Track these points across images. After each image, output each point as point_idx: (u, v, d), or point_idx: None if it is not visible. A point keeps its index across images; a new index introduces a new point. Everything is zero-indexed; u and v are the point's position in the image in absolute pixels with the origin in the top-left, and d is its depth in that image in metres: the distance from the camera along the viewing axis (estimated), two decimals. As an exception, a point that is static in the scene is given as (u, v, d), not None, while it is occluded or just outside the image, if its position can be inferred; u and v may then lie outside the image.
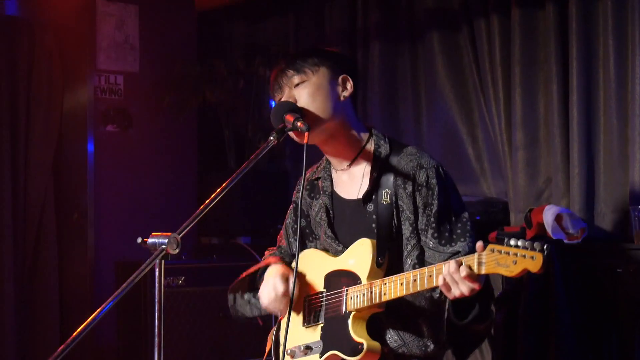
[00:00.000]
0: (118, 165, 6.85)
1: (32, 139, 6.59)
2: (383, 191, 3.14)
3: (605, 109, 4.92)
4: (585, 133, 4.97)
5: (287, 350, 3.24)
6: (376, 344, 3.04)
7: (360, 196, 3.18)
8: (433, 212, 3.09)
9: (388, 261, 3.08)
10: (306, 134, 2.99)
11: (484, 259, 2.67)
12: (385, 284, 2.95)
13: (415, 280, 2.86)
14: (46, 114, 6.64)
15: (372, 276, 3.04)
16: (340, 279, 3.13)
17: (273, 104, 3.22)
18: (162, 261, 2.56)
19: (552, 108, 5.14)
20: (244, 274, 3.43)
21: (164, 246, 2.56)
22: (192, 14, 7.29)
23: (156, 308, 2.55)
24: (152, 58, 7.01)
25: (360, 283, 3.04)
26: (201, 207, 2.80)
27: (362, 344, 3.01)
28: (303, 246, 3.39)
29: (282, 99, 3.15)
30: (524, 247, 2.57)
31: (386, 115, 6.20)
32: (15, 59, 6.55)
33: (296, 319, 3.27)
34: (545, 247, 2.55)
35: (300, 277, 3.27)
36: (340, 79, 3.20)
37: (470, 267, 2.70)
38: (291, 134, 3.10)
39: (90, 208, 6.67)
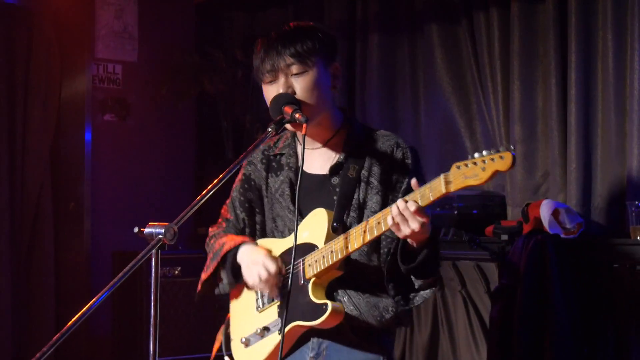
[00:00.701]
0: (115, 154, 6.86)
1: (30, 127, 6.59)
2: (351, 166, 3.17)
3: (603, 104, 4.92)
4: (583, 127, 4.97)
5: (241, 339, 3.26)
6: (339, 304, 3.07)
7: (326, 172, 3.20)
8: (402, 189, 3.15)
9: (343, 231, 3.05)
10: (304, 125, 2.99)
11: (451, 178, 2.76)
12: (347, 237, 2.97)
13: (379, 222, 2.90)
14: (44, 103, 6.63)
15: (328, 241, 3.05)
16: (295, 254, 3.08)
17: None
18: (159, 251, 2.56)
19: (550, 102, 5.14)
20: (211, 259, 3.39)
21: (160, 236, 2.55)
22: (191, 4, 7.29)
23: (152, 298, 2.55)
24: (151, 47, 7.01)
25: (317, 249, 3.06)
26: (198, 197, 2.80)
27: (325, 304, 3.01)
28: (252, 220, 3.40)
29: (279, 88, 3.10)
30: (490, 153, 2.67)
31: (384, 106, 6.20)
32: (13, 47, 6.55)
33: (248, 307, 3.29)
34: (511, 147, 2.65)
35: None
36: (332, 67, 3.19)
37: (416, 202, 2.81)
38: (287, 125, 3.09)
39: (87, 197, 6.67)
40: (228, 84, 6.98)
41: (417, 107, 6.07)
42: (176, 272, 6.18)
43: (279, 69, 3.11)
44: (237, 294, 3.37)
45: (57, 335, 2.38)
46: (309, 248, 3.09)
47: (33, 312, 6.57)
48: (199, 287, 3.44)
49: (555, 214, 4.72)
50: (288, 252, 3.16)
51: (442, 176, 2.79)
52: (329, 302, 3.02)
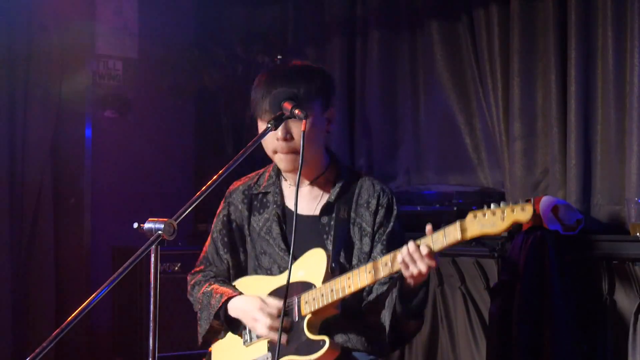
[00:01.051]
0: (116, 150, 6.86)
1: (30, 123, 6.59)
2: (342, 207, 3.29)
3: (603, 101, 4.92)
4: (583, 124, 4.97)
5: None
6: (334, 342, 3.16)
7: (317, 213, 3.30)
8: (386, 232, 3.31)
9: (340, 271, 3.18)
10: (304, 121, 3.00)
11: (467, 225, 2.86)
12: (349, 277, 3.06)
13: (386, 264, 3.00)
14: (44, 99, 6.63)
15: (326, 281, 3.14)
16: (288, 291, 3.15)
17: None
18: (158, 247, 2.57)
19: (550, 99, 5.14)
20: (202, 312, 3.44)
21: (160, 232, 2.56)
22: (191, 0, 7.28)
23: (152, 293, 2.56)
24: (151, 44, 7.01)
25: (314, 288, 3.14)
26: (197, 193, 2.81)
27: (323, 340, 3.10)
28: (236, 258, 3.47)
29: (278, 132, 3.15)
30: (508, 204, 2.80)
31: (384, 103, 6.20)
32: (14, 43, 6.54)
33: (233, 341, 3.36)
34: (532, 200, 2.71)
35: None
36: (328, 112, 3.29)
37: (428, 246, 2.92)
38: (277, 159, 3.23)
39: (88, 193, 6.67)
40: (228, 80, 6.98)
41: (416, 104, 6.07)
42: (176, 267, 6.18)
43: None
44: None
45: (57, 330, 2.38)
46: (305, 286, 3.18)
47: (33, 307, 6.57)
48: (200, 340, 3.49)
49: (554, 210, 4.72)
50: (279, 290, 3.25)
51: (457, 223, 2.90)
52: (326, 339, 3.10)
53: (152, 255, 2.56)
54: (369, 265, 3.04)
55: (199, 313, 3.45)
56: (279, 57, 6.73)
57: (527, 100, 5.27)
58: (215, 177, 2.87)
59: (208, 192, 2.83)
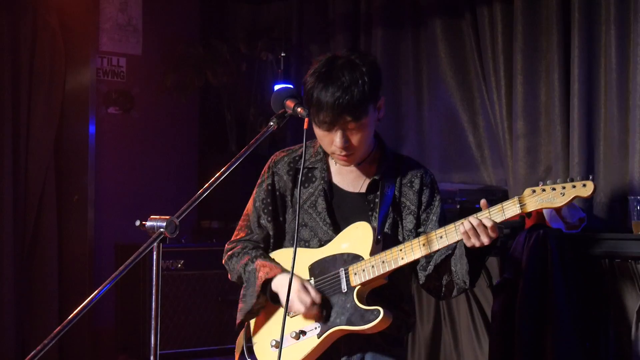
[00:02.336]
0: (119, 147, 6.86)
1: (34, 119, 6.59)
2: (387, 185, 3.34)
3: (606, 99, 4.92)
4: (586, 122, 4.97)
5: (271, 342, 3.34)
6: (388, 311, 3.19)
7: (363, 190, 3.34)
8: (434, 210, 3.38)
9: (384, 247, 3.23)
10: (306, 119, 3.01)
11: (525, 201, 2.99)
12: (401, 249, 3.15)
13: (442, 236, 3.11)
14: (48, 95, 6.63)
15: (374, 252, 3.20)
16: (331, 264, 3.26)
17: (275, 87, 3.24)
18: (160, 244, 2.57)
19: (553, 97, 5.14)
20: (246, 288, 3.44)
21: (162, 229, 2.57)
22: (195, -3, 7.30)
23: (153, 291, 2.57)
24: (155, 40, 7.01)
25: (362, 259, 3.20)
26: (200, 190, 2.81)
27: (377, 310, 3.15)
28: (278, 227, 3.48)
29: (337, 140, 3.18)
30: (570, 180, 2.94)
31: (387, 100, 6.10)
32: (18, 39, 6.54)
33: (277, 312, 3.37)
34: (590, 176, 2.94)
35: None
36: (379, 103, 3.30)
37: (491, 219, 3.03)
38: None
39: (91, 190, 6.67)
40: (232, 77, 6.98)
41: (420, 101, 6.07)
42: (179, 265, 6.18)
43: (336, 125, 3.17)
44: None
45: (60, 326, 2.39)
46: (351, 258, 3.24)
47: (36, 303, 6.58)
48: (240, 317, 3.46)
49: (557, 208, 4.72)
50: (317, 263, 3.31)
51: (516, 198, 3.01)
52: (380, 308, 3.15)
53: (154, 253, 2.57)
54: (422, 238, 3.13)
55: (242, 290, 3.45)
56: (282, 54, 6.73)
57: (530, 98, 5.27)
58: (217, 174, 2.87)
59: (211, 189, 2.84)
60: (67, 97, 6.75)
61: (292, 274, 3.06)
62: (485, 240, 3.04)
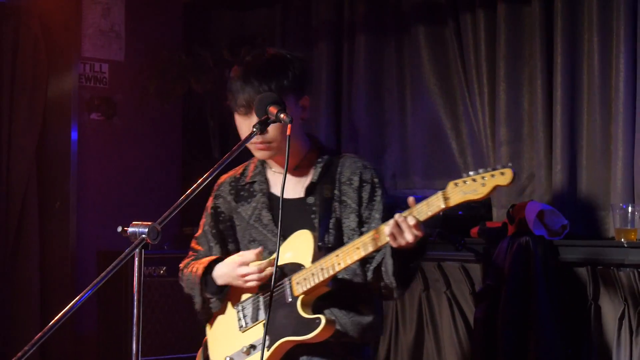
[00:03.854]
0: (102, 153, 6.84)
1: (16, 125, 6.57)
2: (325, 186, 3.36)
3: (588, 106, 4.94)
4: (569, 129, 4.99)
5: (225, 359, 3.38)
6: (331, 318, 3.23)
7: (302, 194, 3.37)
8: (376, 207, 3.38)
9: (331, 249, 3.22)
10: (289, 125, 3.02)
11: (449, 194, 2.94)
12: (337, 255, 3.14)
13: (374, 238, 3.09)
14: (30, 101, 6.61)
15: (316, 259, 3.21)
16: (278, 275, 3.25)
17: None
18: (142, 251, 2.56)
19: (536, 104, 5.15)
20: (192, 289, 3.51)
21: (143, 236, 2.56)
22: (179, 3, 7.28)
23: (135, 297, 2.56)
24: (138, 47, 6.99)
25: (304, 268, 3.21)
26: (183, 197, 2.80)
27: (318, 318, 3.16)
28: (225, 250, 3.51)
29: (250, 123, 3.22)
30: (488, 170, 2.91)
31: (371, 108, 6.20)
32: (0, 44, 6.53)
33: (229, 328, 3.41)
34: (509, 164, 2.93)
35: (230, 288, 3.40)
36: (302, 100, 3.36)
37: (415, 217, 3.01)
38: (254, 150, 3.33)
39: (73, 196, 6.65)
40: (215, 84, 6.96)
41: (403, 108, 6.07)
42: (161, 271, 6.17)
43: (252, 109, 3.26)
44: (215, 317, 3.51)
45: (41, 332, 2.37)
46: (294, 267, 3.24)
47: (17, 310, 6.54)
48: (202, 317, 3.58)
49: (540, 215, 4.73)
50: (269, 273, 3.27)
51: (439, 193, 2.97)
52: (321, 316, 3.16)
53: (136, 259, 2.56)
54: (357, 241, 3.12)
55: (191, 292, 3.52)
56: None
57: (513, 105, 5.28)
58: (200, 180, 2.87)
59: (193, 195, 2.83)
60: (50, 103, 6.73)
61: (274, 280, 3.06)
62: (410, 238, 3.00)
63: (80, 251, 6.60)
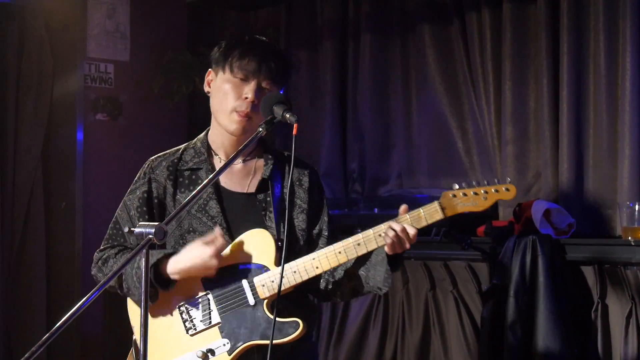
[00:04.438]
0: (107, 153, 6.84)
1: (22, 126, 6.58)
2: (275, 184, 3.28)
3: (595, 104, 4.93)
4: (575, 128, 4.98)
5: None
6: (304, 320, 3.12)
7: (253, 190, 3.26)
8: (324, 210, 3.36)
9: (286, 249, 3.12)
10: (295, 125, 3.00)
11: (445, 205, 3.00)
12: (314, 258, 3.09)
13: (359, 244, 3.06)
14: (36, 101, 6.61)
15: (277, 261, 3.12)
16: (230, 275, 3.13)
17: None
18: (149, 251, 2.57)
19: (542, 102, 5.14)
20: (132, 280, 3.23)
21: (150, 236, 2.55)
22: (183, 3, 7.27)
23: (142, 297, 2.56)
24: (143, 47, 7.00)
25: (268, 271, 3.11)
26: (189, 197, 2.81)
27: (297, 322, 3.09)
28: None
29: (249, 92, 3.17)
30: (494, 183, 2.95)
31: (376, 107, 6.19)
32: (5, 46, 6.54)
33: (171, 331, 3.20)
34: (508, 179, 2.96)
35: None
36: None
37: (413, 227, 3.03)
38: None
39: (79, 196, 6.65)
40: (220, 84, 6.97)
41: (409, 107, 6.06)
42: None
43: (255, 76, 3.20)
44: (152, 317, 3.25)
45: (48, 334, 2.37)
46: (254, 268, 3.13)
47: (24, 311, 6.55)
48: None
49: (546, 214, 4.73)
50: (222, 270, 3.13)
51: (436, 203, 3.01)
52: (299, 320, 3.09)
53: (143, 259, 2.56)
54: (338, 246, 3.07)
55: (124, 284, 3.22)
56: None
57: (519, 104, 5.27)
58: (206, 181, 2.87)
59: (199, 196, 2.83)
60: (55, 104, 6.73)
61: (282, 276, 3.05)
62: (407, 247, 3.03)
63: (86, 251, 6.60)
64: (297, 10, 6.83)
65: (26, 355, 2.33)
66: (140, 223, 2.60)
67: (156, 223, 2.57)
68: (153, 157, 3.45)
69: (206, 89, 3.38)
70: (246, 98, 3.18)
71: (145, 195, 3.33)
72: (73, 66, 6.71)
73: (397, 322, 5.50)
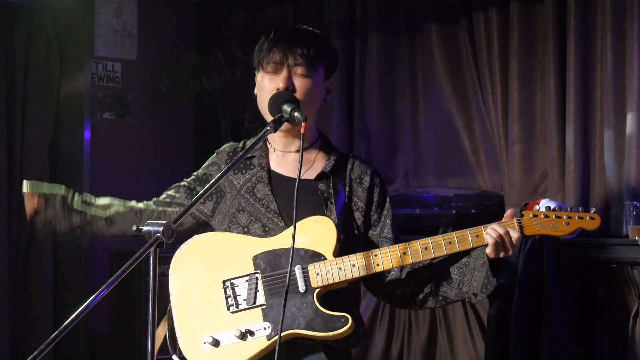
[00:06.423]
0: (114, 152, 6.85)
1: (29, 125, 6.58)
2: (337, 180, 3.23)
3: (601, 104, 4.93)
4: (582, 128, 4.98)
5: (205, 338, 3.05)
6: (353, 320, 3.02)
7: (313, 177, 3.20)
8: (387, 213, 3.28)
9: (343, 244, 3.08)
10: (303, 124, 3.00)
11: (525, 223, 3.02)
12: (376, 255, 3.04)
13: (426, 248, 3.02)
14: (43, 100, 6.62)
15: (336, 252, 3.03)
16: (283, 259, 3.05)
17: None
18: (157, 249, 2.56)
19: (549, 102, 5.14)
20: None
21: (158, 234, 2.55)
22: (191, 2, 7.29)
23: (150, 296, 2.56)
24: (150, 46, 7.00)
25: (325, 259, 3.02)
26: (197, 196, 2.81)
27: (345, 317, 2.97)
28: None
29: (279, 82, 3.13)
30: (581, 210, 3.02)
31: (383, 106, 6.19)
32: (12, 44, 6.54)
33: (212, 305, 3.09)
34: (592, 209, 3.04)
35: (212, 259, 3.17)
36: (329, 81, 3.27)
37: (517, 232, 3.02)
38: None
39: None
40: (227, 83, 6.98)
41: (416, 107, 6.06)
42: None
43: (285, 63, 3.15)
44: (190, 289, 3.20)
45: (56, 332, 2.37)
46: (310, 255, 3.04)
47: (31, 311, 6.56)
48: None
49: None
50: (269, 254, 3.08)
51: (515, 221, 3.05)
52: (348, 316, 2.98)
53: (151, 258, 2.56)
54: (402, 246, 3.04)
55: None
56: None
57: (526, 104, 5.27)
58: (213, 180, 2.87)
59: (207, 194, 2.84)
60: (62, 103, 6.74)
61: (292, 257, 2.98)
62: (510, 252, 3.02)
63: (93, 251, 6.61)
64: (304, 9, 6.84)
65: (34, 354, 2.33)
66: (148, 222, 2.60)
67: (164, 222, 2.57)
68: (225, 145, 3.48)
69: (255, 91, 3.30)
70: (278, 89, 3.14)
71: (204, 177, 3.45)
72: (80, 65, 6.72)
73: (403, 321, 5.50)
